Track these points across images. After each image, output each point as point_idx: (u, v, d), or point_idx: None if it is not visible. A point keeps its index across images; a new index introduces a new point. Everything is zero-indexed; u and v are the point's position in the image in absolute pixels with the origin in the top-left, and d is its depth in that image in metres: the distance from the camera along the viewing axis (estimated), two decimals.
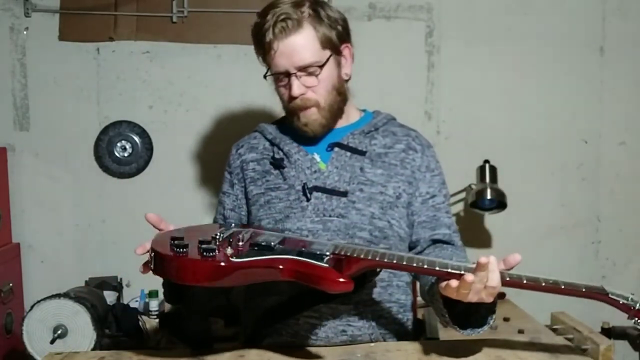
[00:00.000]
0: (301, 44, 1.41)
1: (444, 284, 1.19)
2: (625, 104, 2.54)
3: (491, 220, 2.47)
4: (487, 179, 2.35)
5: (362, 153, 1.49)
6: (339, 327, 1.42)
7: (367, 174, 1.48)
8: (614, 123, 2.53)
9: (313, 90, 1.44)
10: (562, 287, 1.20)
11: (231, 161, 1.61)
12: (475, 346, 1.33)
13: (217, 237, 1.22)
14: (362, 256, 1.21)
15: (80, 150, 2.43)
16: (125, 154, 2.43)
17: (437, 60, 2.48)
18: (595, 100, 2.53)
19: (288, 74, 1.43)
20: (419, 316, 2.05)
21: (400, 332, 1.51)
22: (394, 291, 1.50)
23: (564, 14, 2.49)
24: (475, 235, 2.48)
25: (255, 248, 1.21)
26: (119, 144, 2.42)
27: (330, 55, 1.45)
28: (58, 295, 1.88)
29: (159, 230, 1.31)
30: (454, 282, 1.16)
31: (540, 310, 2.27)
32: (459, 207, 2.50)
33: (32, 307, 1.88)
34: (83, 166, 2.43)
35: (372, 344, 1.39)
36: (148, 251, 1.22)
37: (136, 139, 2.43)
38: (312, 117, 1.46)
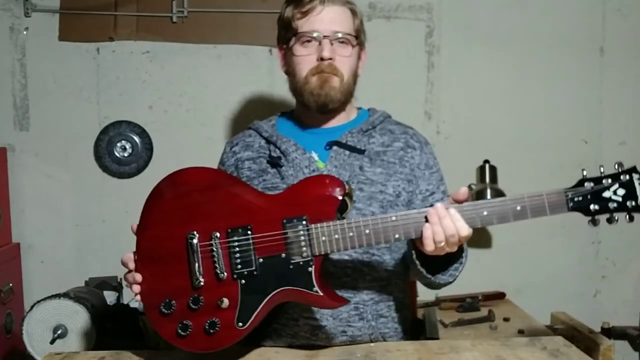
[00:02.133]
0: (343, 16, 1.49)
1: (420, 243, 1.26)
2: (625, 104, 2.54)
3: None
4: (487, 179, 2.35)
5: (361, 152, 1.49)
6: (339, 328, 1.42)
7: (366, 173, 1.48)
8: (614, 123, 2.53)
9: (341, 61, 1.47)
10: (530, 215, 1.23)
11: (224, 159, 1.59)
12: (476, 346, 1.33)
13: (198, 281, 1.24)
14: (339, 250, 1.25)
15: (80, 150, 2.43)
16: (125, 154, 2.43)
17: (437, 60, 2.47)
18: (595, 100, 2.53)
19: (321, 38, 1.45)
20: (419, 316, 2.05)
21: (399, 331, 1.51)
22: (392, 290, 1.50)
23: (564, 14, 2.49)
24: (475, 235, 2.45)
25: (242, 281, 1.24)
26: (119, 144, 2.42)
27: (358, 43, 1.52)
28: (58, 295, 1.88)
29: None
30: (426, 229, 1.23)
31: (540, 310, 2.27)
32: None
33: (32, 307, 1.88)
34: (83, 166, 2.43)
35: (372, 344, 1.39)
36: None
37: (136, 139, 2.43)
38: (332, 85, 1.47)
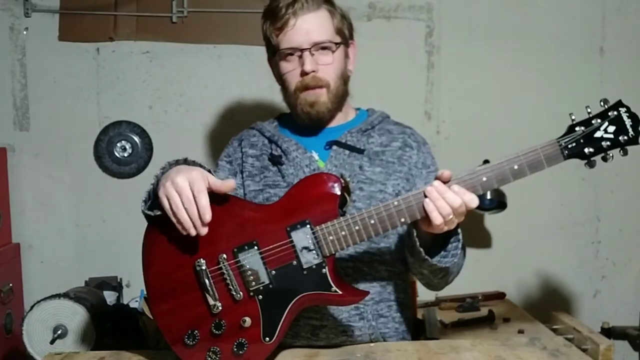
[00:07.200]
0: (319, 22, 1.45)
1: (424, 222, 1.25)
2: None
3: (491, 220, 2.47)
4: None
5: (361, 151, 1.50)
6: (340, 328, 1.42)
7: (366, 172, 1.48)
8: None
9: (324, 70, 1.46)
10: (528, 171, 1.28)
11: (231, 151, 1.60)
12: (476, 346, 1.33)
13: (216, 307, 1.22)
14: (348, 246, 1.24)
15: (80, 150, 2.43)
16: (125, 154, 2.43)
17: (437, 60, 2.47)
18: (595, 100, 2.52)
19: (300, 52, 1.44)
20: (419, 316, 2.05)
21: (400, 332, 1.51)
22: (393, 289, 1.50)
23: (564, 14, 2.48)
24: (475, 235, 2.48)
25: (260, 297, 1.23)
26: (119, 144, 2.42)
27: (342, 43, 1.49)
28: (58, 295, 1.88)
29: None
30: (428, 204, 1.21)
31: (540, 310, 2.27)
32: None
33: (32, 307, 1.88)
34: (83, 166, 2.43)
35: (372, 344, 1.39)
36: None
37: (136, 139, 2.43)
38: (320, 98, 1.47)
